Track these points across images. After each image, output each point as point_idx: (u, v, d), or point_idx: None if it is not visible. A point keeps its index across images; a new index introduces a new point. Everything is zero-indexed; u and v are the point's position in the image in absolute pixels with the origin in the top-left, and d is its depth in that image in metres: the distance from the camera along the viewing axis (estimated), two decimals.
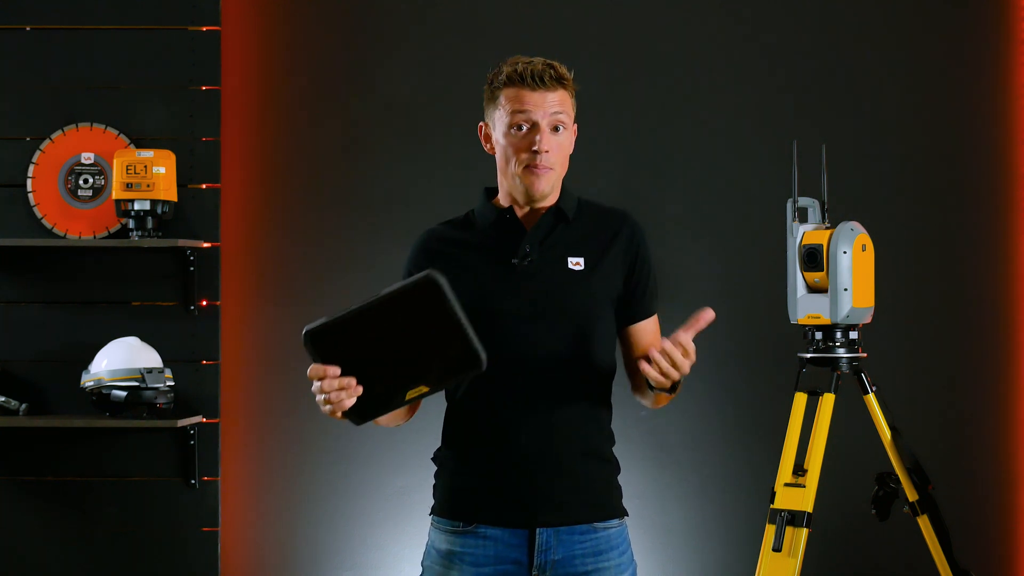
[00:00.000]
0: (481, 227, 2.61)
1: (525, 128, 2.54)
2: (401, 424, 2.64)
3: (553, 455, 2.51)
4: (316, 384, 2.30)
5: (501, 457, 2.51)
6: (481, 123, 2.63)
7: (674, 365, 2.38)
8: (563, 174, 2.59)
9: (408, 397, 2.32)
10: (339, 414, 2.32)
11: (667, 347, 2.38)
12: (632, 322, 2.63)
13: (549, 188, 2.56)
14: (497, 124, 2.58)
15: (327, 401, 2.30)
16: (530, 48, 2.84)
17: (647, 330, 2.64)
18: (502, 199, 2.62)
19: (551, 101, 2.53)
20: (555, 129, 2.54)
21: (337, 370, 2.29)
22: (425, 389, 2.32)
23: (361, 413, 2.33)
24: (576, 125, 2.63)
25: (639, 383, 2.58)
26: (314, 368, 2.30)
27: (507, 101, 2.55)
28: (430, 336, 2.30)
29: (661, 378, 2.38)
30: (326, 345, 2.29)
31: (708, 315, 2.42)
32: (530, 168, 2.53)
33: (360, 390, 2.30)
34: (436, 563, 2.57)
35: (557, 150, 2.55)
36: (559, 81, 2.55)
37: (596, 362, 2.54)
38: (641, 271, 2.62)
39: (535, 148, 2.52)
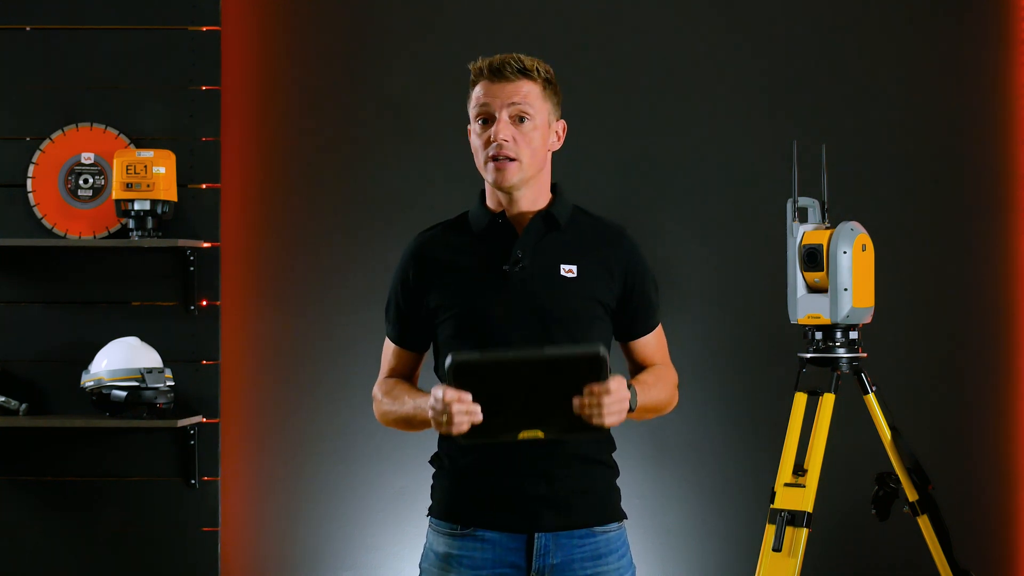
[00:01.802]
0: (474, 231, 2.60)
1: (488, 121, 2.53)
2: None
3: (551, 460, 2.51)
4: (442, 404, 2.32)
5: (499, 461, 2.50)
6: (468, 127, 2.63)
7: (600, 410, 2.35)
8: (534, 168, 2.55)
9: (520, 437, 2.36)
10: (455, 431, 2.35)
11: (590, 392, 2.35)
12: (634, 337, 2.63)
13: (516, 180, 2.53)
14: (471, 123, 2.58)
15: (448, 421, 2.32)
16: (528, 50, 2.83)
17: (650, 344, 2.65)
18: (489, 201, 2.61)
19: (510, 92, 2.52)
20: (519, 120, 2.52)
21: (470, 396, 2.32)
22: (540, 435, 2.36)
23: (471, 435, 2.36)
24: (563, 122, 2.61)
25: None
26: (450, 391, 2.32)
27: (474, 98, 2.56)
28: (570, 396, 2.33)
29: (606, 420, 2.35)
30: (468, 376, 2.33)
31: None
32: (492, 161, 2.52)
33: (480, 418, 2.33)
34: (434, 565, 2.56)
35: (522, 141, 2.52)
36: (522, 72, 2.53)
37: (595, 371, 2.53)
38: (640, 288, 2.60)
39: (492, 139, 2.51)
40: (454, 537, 2.54)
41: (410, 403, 2.53)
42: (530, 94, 2.53)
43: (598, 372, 2.32)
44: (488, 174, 2.54)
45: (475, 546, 2.53)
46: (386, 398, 2.62)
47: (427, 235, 2.63)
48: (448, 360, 2.33)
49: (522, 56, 2.54)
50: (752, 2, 4.64)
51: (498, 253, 2.55)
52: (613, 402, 2.34)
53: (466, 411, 2.32)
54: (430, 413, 2.37)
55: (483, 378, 2.33)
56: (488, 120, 2.53)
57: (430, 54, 4.62)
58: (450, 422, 2.32)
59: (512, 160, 2.52)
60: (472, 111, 2.55)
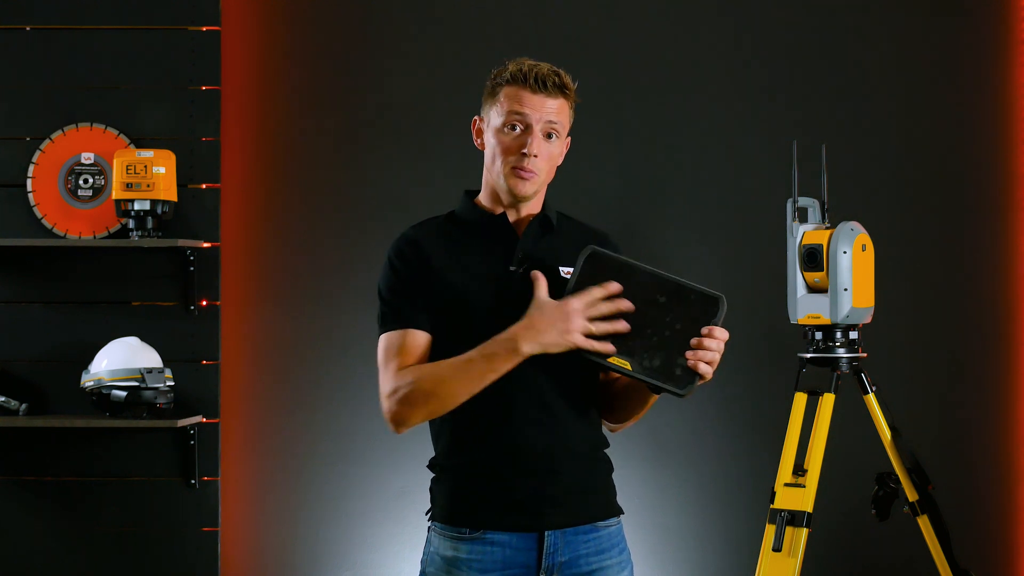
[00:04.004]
0: (472, 230, 2.59)
1: (519, 129, 2.53)
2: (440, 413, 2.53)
3: (556, 458, 2.51)
4: (590, 301, 2.41)
5: (506, 462, 2.49)
6: (476, 117, 2.62)
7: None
8: (548, 181, 2.59)
9: (610, 361, 2.42)
10: (582, 338, 2.41)
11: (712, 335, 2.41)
12: None
13: (532, 192, 2.55)
14: (492, 120, 2.56)
15: (589, 319, 2.40)
16: (529, 50, 2.84)
17: None
18: (484, 198, 2.60)
19: (549, 107, 2.53)
20: (548, 136, 2.54)
21: (619, 288, 2.42)
22: (628, 367, 2.41)
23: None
24: (570, 139, 2.63)
25: (618, 397, 2.59)
26: (598, 289, 2.41)
27: (506, 99, 2.54)
28: (676, 338, 2.40)
29: (708, 368, 2.40)
30: (596, 271, 2.42)
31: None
32: (516, 170, 2.53)
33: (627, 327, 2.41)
34: (440, 570, 2.53)
35: (546, 157, 2.55)
36: (561, 89, 2.54)
37: (589, 365, 2.53)
38: None
39: (524, 150, 2.51)
40: (463, 541, 2.52)
41: (469, 352, 2.45)
42: (562, 111, 2.55)
43: (713, 316, 2.39)
44: (506, 181, 2.54)
45: (485, 549, 2.51)
46: (427, 369, 2.48)
47: (422, 230, 2.60)
48: (587, 249, 2.43)
49: (562, 72, 2.56)
50: (752, 2, 4.64)
51: (500, 254, 2.55)
52: (720, 353, 2.41)
53: (611, 311, 2.40)
54: (577, 304, 2.41)
55: (606, 280, 2.40)
56: (519, 128, 2.53)
57: (430, 54, 4.63)
58: (592, 320, 2.39)
59: (535, 174, 2.54)
60: (502, 113, 2.53)
